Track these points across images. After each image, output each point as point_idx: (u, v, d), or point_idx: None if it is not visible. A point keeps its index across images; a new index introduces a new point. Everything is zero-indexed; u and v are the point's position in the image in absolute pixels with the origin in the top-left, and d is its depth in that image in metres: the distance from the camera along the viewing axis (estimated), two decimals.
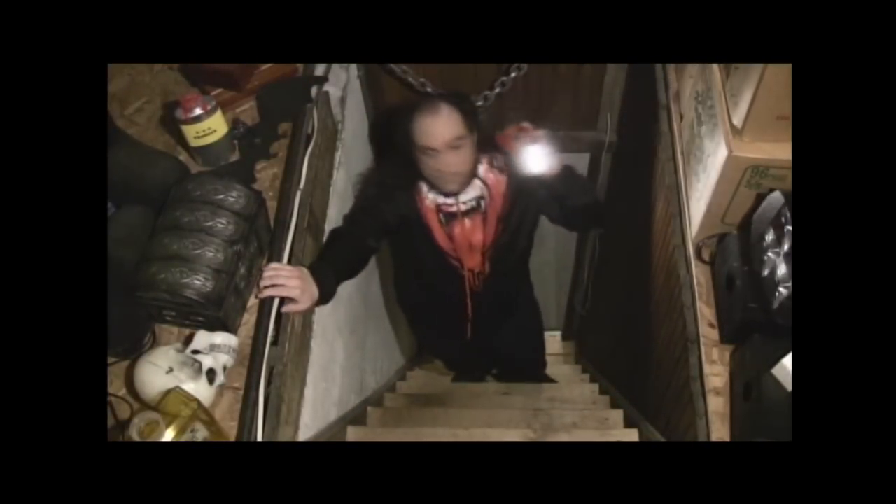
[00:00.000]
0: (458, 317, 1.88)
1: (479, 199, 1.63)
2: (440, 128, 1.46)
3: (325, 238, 1.67)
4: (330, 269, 1.50)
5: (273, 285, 1.31)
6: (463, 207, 1.63)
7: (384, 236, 1.69)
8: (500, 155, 1.56)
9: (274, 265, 1.34)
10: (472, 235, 1.67)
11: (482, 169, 1.61)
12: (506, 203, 1.64)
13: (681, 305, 1.50)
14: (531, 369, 2.84)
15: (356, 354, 2.21)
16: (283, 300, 1.33)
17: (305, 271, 1.38)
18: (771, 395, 1.19)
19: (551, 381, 2.96)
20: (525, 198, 1.63)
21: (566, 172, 1.55)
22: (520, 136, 1.48)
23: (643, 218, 2.01)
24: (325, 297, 1.44)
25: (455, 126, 1.47)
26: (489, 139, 1.58)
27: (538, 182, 1.53)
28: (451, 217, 1.64)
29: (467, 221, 1.65)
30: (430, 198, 1.62)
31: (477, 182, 1.61)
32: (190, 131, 1.49)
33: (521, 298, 1.97)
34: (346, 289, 1.98)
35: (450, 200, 1.61)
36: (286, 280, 1.32)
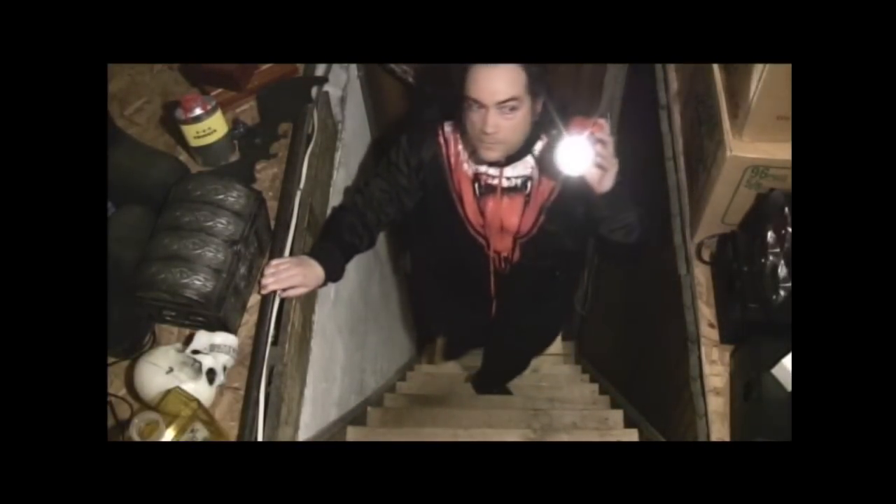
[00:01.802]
0: (482, 294, 1.71)
1: (526, 179, 1.42)
2: (495, 81, 1.25)
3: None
4: (335, 246, 1.44)
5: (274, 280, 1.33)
6: (505, 183, 1.43)
7: (399, 202, 1.52)
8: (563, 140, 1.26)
9: (274, 262, 1.35)
10: (507, 217, 1.48)
11: (539, 146, 1.40)
12: (553, 193, 1.42)
13: (681, 305, 1.50)
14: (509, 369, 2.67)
15: (356, 354, 2.21)
16: (284, 290, 1.35)
17: (305, 257, 1.39)
18: (771, 395, 1.19)
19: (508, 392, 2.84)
20: (577, 195, 1.37)
21: (615, 195, 1.28)
22: (590, 129, 1.22)
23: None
24: (331, 275, 1.42)
25: (513, 84, 1.26)
26: (560, 117, 1.34)
27: (587, 187, 1.28)
28: (488, 190, 1.45)
29: (505, 200, 1.45)
30: (469, 163, 1.44)
31: (529, 160, 1.41)
32: (190, 131, 1.49)
33: (556, 287, 1.75)
34: (346, 289, 1.98)
35: (493, 171, 1.42)
36: (287, 271, 1.34)
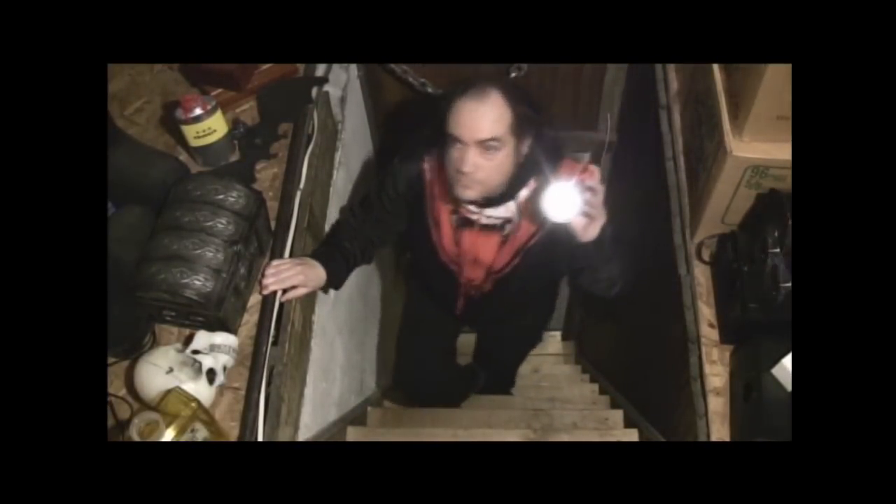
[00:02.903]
0: (451, 304, 1.67)
1: (505, 221, 1.38)
2: (477, 119, 1.21)
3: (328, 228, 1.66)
4: (336, 250, 1.48)
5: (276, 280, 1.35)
6: (484, 220, 1.39)
7: (389, 225, 1.54)
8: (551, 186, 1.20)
9: (275, 262, 1.36)
10: (482, 253, 1.45)
11: (524, 193, 1.35)
12: (534, 238, 1.39)
13: (681, 305, 1.50)
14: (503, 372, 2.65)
15: (356, 354, 2.21)
16: (285, 291, 1.36)
17: (306, 258, 1.41)
18: (771, 395, 1.19)
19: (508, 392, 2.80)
20: (557, 242, 1.33)
21: (600, 245, 1.24)
22: (580, 176, 1.17)
23: (643, 218, 2.01)
24: (333, 281, 1.45)
25: (497, 123, 1.21)
26: (548, 163, 1.31)
27: (570, 235, 1.23)
28: (465, 223, 1.41)
29: (482, 236, 1.42)
30: (451, 194, 1.38)
31: (511, 204, 1.36)
32: (190, 131, 1.48)
33: (528, 310, 1.75)
34: (346, 289, 1.97)
35: (472, 208, 1.38)
36: (288, 271, 1.35)
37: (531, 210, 1.34)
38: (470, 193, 1.29)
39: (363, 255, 1.55)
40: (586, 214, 1.17)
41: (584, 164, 1.19)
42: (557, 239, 1.31)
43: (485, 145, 1.22)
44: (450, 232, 1.44)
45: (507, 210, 1.37)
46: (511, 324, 1.82)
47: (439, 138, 1.30)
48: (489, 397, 2.80)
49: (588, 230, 1.20)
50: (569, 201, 1.16)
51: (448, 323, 1.96)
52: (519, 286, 1.51)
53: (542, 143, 1.32)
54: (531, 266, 1.44)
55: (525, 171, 1.32)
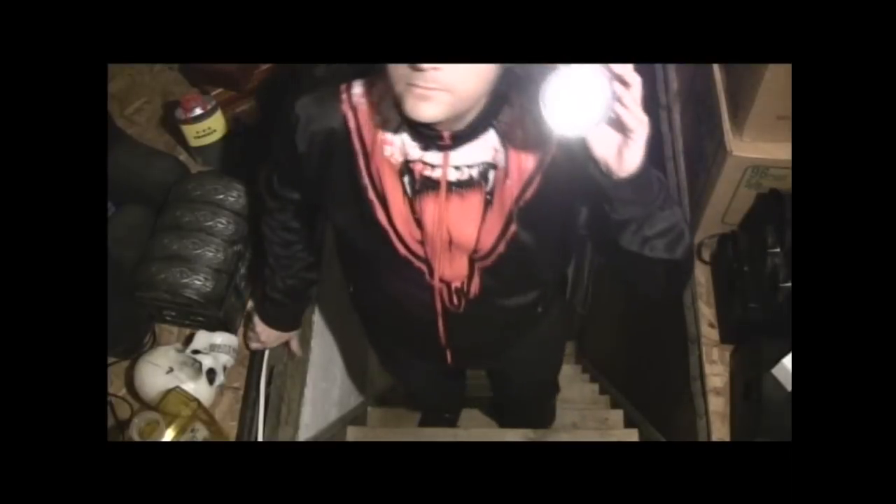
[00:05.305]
0: (429, 338, 1.12)
1: (486, 166, 0.88)
2: None
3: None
4: (291, 294, 1.22)
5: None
6: (453, 175, 0.88)
7: (314, 205, 1.08)
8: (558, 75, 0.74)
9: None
10: (460, 226, 0.92)
11: (508, 114, 0.87)
12: (532, 185, 0.88)
13: (681, 305, 1.50)
14: (535, 400, 1.97)
15: (356, 354, 2.21)
16: None
17: (258, 327, 1.27)
18: (771, 395, 1.19)
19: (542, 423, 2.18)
20: (573, 186, 0.85)
21: (646, 180, 0.78)
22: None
23: None
24: (292, 325, 1.32)
25: None
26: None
27: (591, 163, 0.76)
28: (426, 185, 0.90)
29: (454, 200, 0.90)
30: (395, 143, 0.89)
31: (491, 136, 0.87)
32: (190, 131, 1.49)
33: (539, 312, 1.17)
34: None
35: (431, 158, 0.88)
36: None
37: (524, 138, 0.86)
38: (430, 108, 0.79)
39: (303, 263, 1.18)
40: (619, 124, 0.73)
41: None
42: (571, 181, 0.83)
43: None
44: (403, 204, 0.91)
45: (484, 148, 0.87)
46: (520, 343, 1.24)
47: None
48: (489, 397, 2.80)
49: (626, 154, 0.75)
50: (590, 100, 0.71)
51: (436, 368, 1.40)
52: (516, 273, 0.99)
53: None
54: (533, 236, 0.92)
55: (507, 84, 0.84)
